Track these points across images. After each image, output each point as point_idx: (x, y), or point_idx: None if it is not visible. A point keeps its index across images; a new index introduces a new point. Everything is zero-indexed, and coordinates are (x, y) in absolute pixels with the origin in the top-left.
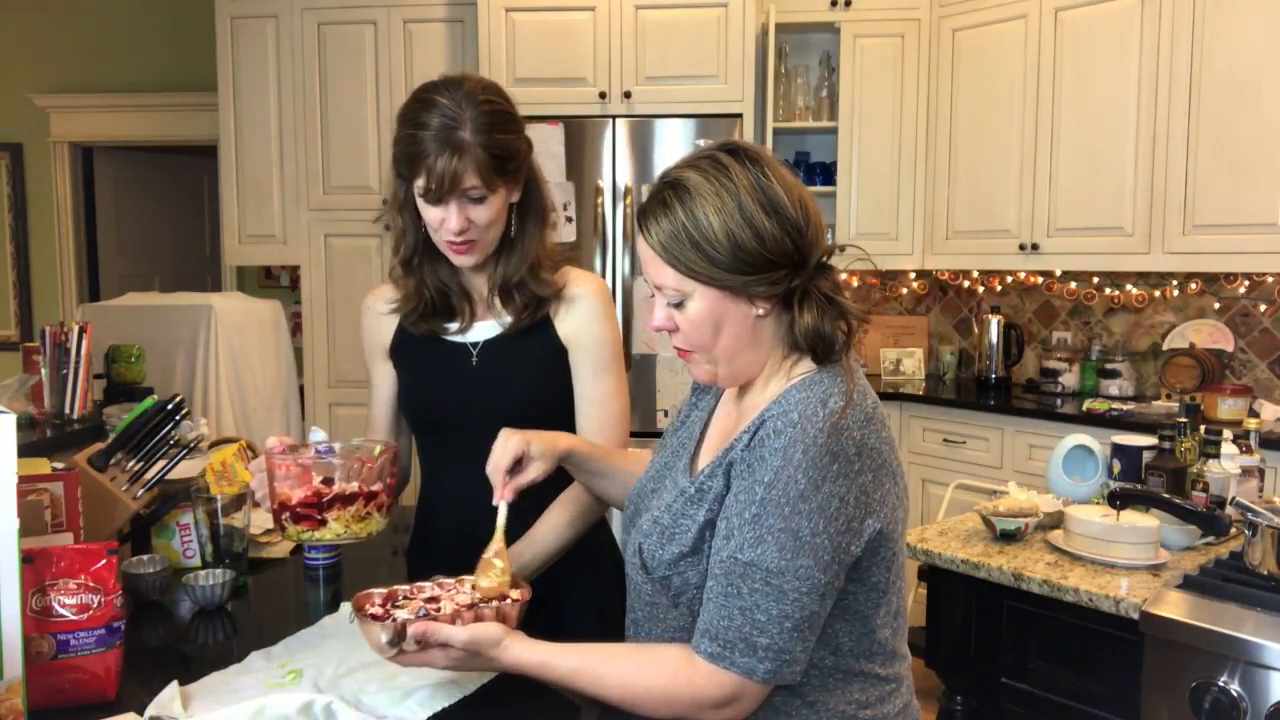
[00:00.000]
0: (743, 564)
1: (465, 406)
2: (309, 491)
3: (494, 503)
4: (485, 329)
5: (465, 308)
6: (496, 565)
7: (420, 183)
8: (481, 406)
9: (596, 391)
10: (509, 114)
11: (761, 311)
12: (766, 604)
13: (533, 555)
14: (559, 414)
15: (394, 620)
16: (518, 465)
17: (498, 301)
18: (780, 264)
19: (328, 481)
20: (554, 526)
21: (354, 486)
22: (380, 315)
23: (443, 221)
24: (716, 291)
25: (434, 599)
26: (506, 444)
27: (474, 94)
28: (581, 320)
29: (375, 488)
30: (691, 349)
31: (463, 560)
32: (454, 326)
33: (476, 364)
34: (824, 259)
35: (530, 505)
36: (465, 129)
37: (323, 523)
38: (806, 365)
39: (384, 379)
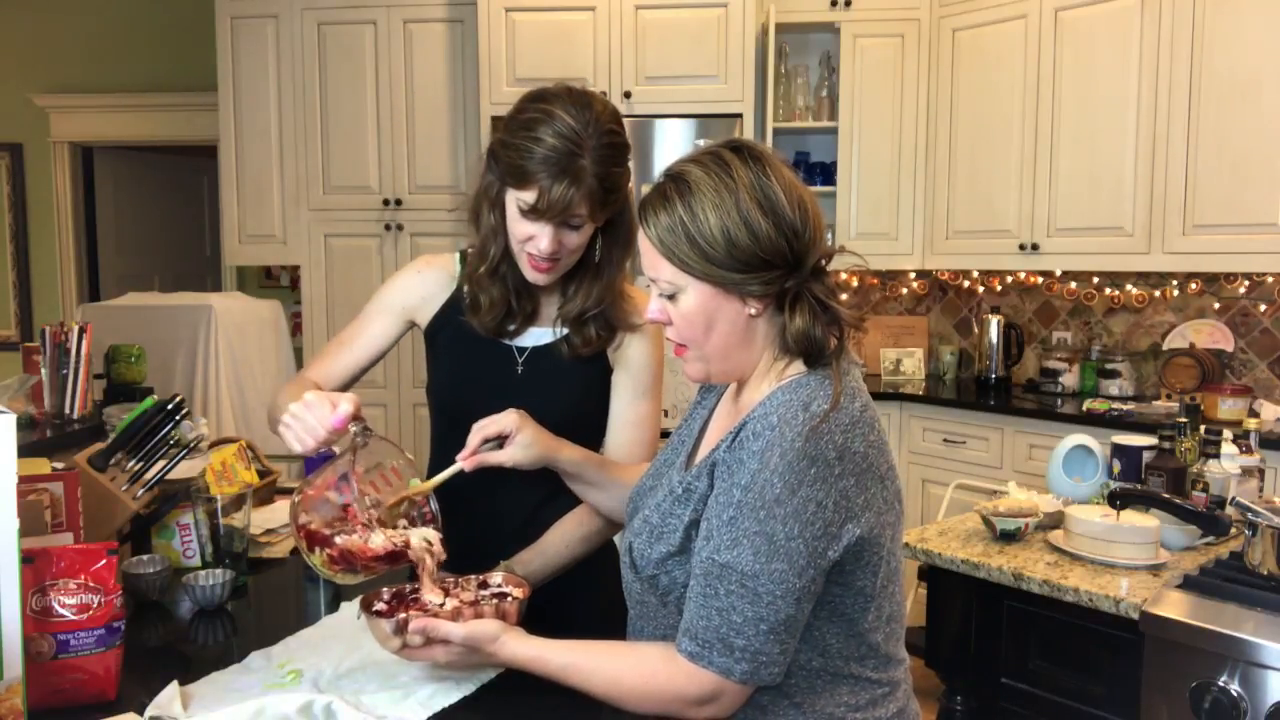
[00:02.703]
0: (719, 565)
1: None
2: (383, 550)
3: (456, 458)
4: (537, 335)
5: (526, 309)
6: (413, 483)
7: (527, 197)
8: None
9: (633, 413)
10: (627, 147)
11: (754, 311)
12: (742, 606)
13: (540, 565)
14: (595, 432)
15: (397, 617)
16: (501, 442)
17: (560, 320)
18: (774, 264)
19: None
20: (565, 539)
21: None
22: (427, 291)
23: (532, 238)
24: (710, 287)
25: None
26: (502, 417)
27: (601, 120)
28: (636, 345)
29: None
30: (684, 343)
31: (468, 562)
32: (510, 327)
33: (523, 371)
34: (822, 262)
35: (548, 514)
36: (586, 157)
37: (354, 571)
38: (798, 367)
39: (379, 335)
